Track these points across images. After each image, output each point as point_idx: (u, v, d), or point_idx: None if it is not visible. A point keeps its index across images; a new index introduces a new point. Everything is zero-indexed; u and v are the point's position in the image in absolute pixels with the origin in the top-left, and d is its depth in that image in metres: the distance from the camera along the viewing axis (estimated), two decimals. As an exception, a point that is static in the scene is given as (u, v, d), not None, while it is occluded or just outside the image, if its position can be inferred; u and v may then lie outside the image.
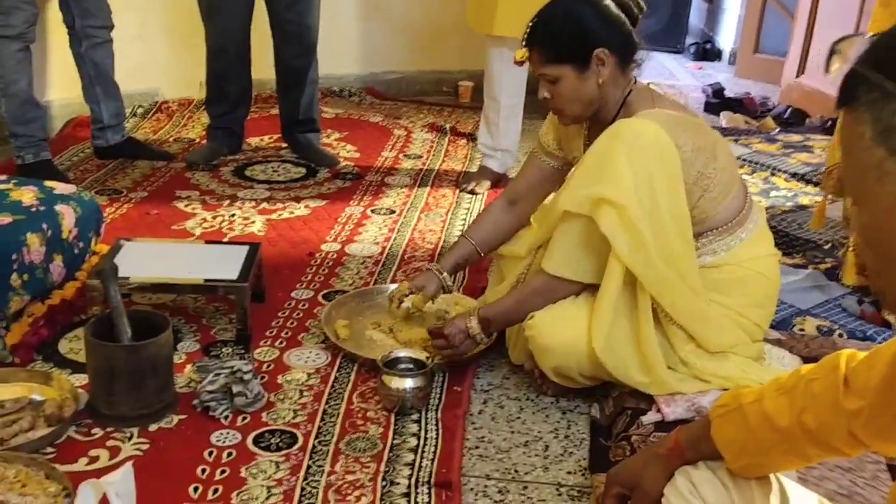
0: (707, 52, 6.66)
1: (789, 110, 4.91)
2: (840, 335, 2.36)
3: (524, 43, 2.03)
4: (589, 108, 2.05)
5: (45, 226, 2.28)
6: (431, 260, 2.86)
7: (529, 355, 2.12)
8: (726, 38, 6.65)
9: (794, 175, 3.82)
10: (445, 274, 2.32)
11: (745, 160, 4.00)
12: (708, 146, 1.96)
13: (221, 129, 3.85)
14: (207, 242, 2.75)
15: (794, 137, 4.44)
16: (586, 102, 2.03)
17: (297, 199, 3.40)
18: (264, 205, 3.32)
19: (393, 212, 3.32)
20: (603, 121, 2.05)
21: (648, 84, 2.08)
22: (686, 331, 1.98)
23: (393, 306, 2.35)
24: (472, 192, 3.54)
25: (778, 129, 4.63)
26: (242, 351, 2.27)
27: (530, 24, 2.02)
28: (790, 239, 3.09)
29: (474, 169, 3.79)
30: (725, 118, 4.87)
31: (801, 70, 5.17)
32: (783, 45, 5.50)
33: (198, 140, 4.10)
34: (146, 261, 2.39)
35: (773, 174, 3.86)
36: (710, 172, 1.94)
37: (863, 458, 1.75)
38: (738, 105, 5.07)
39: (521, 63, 2.08)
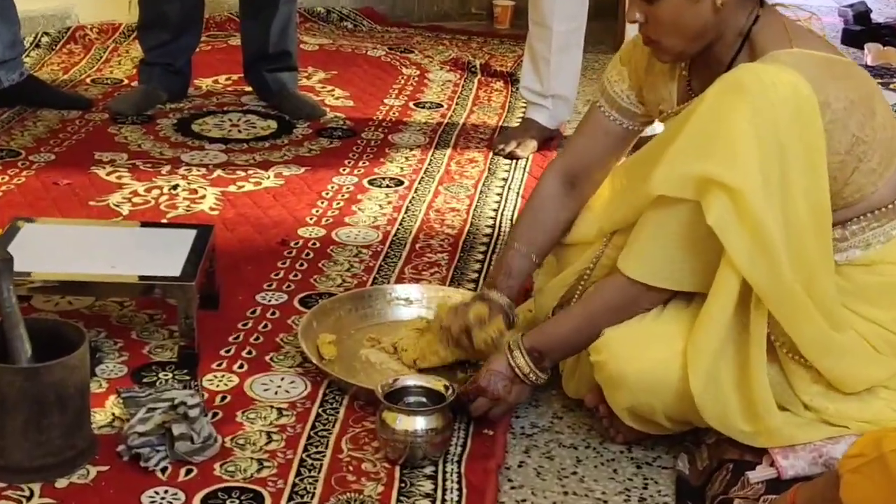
0: (847, -42, 6.62)
1: (964, 42, 4.88)
2: None
3: None
4: (697, 42, 2.01)
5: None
6: (453, 252, 2.88)
7: (594, 388, 2.12)
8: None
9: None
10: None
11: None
12: (864, 97, 1.94)
13: (159, 66, 3.86)
14: (143, 226, 2.75)
15: (971, 81, 4.42)
16: (695, 34, 1.99)
17: (265, 166, 3.41)
18: (219, 172, 3.34)
19: (400, 183, 3.33)
20: (715, 60, 2.03)
21: (775, 6, 2.06)
22: (813, 368, 1.97)
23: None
24: (512, 156, 3.53)
25: (947, 69, 4.61)
26: (187, 377, 2.28)
27: None
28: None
29: (515, 123, 3.80)
30: (872, 52, 4.83)
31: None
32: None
33: (126, 81, 4.12)
34: (53, 250, 2.40)
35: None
36: (867, 134, 1.93)
37: None
38: (890, 34, 5.02)
39: None
